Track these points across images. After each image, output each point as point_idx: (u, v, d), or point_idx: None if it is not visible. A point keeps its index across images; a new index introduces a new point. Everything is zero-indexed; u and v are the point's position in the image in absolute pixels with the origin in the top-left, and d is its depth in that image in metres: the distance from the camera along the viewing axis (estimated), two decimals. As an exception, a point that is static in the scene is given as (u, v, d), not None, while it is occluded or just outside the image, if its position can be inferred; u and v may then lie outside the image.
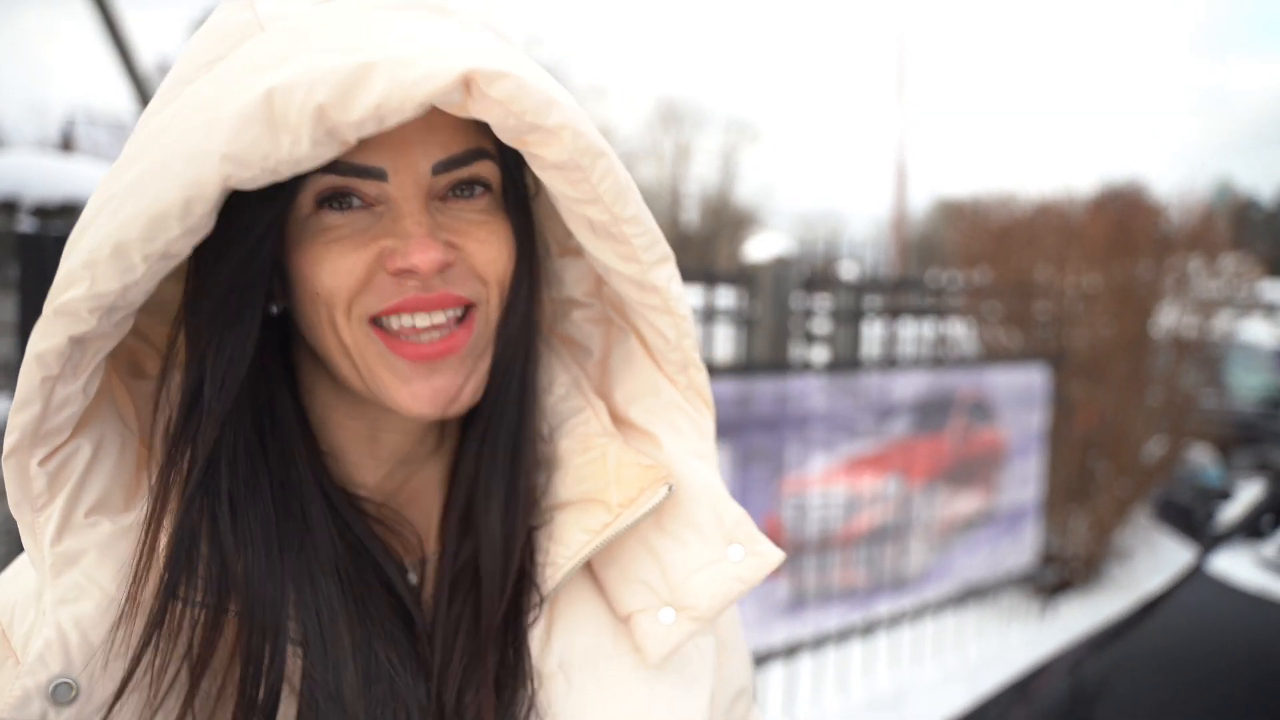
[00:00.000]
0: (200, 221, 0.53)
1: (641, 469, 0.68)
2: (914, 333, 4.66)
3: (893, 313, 4.56)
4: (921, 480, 4.08)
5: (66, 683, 0.53)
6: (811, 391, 3.57)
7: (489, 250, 0.63)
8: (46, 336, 0.54)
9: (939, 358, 4.29)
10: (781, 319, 4.41)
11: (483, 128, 0.61)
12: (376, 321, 0.61)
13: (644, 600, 0.68)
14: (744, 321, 4.43)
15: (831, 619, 3.74)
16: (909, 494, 4.01)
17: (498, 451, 0.68)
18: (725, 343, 4.49)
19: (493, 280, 0.64)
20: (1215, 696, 1.77)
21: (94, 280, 0.53)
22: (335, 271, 0.59)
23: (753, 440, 3.41)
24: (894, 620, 4.01)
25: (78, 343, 0.54)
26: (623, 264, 0.66)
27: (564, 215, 0.65)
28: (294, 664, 0.59)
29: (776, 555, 0.71)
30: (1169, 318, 5.19)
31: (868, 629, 3.90)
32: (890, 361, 3.99)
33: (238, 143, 0.51)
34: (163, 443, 0.59)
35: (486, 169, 0.63)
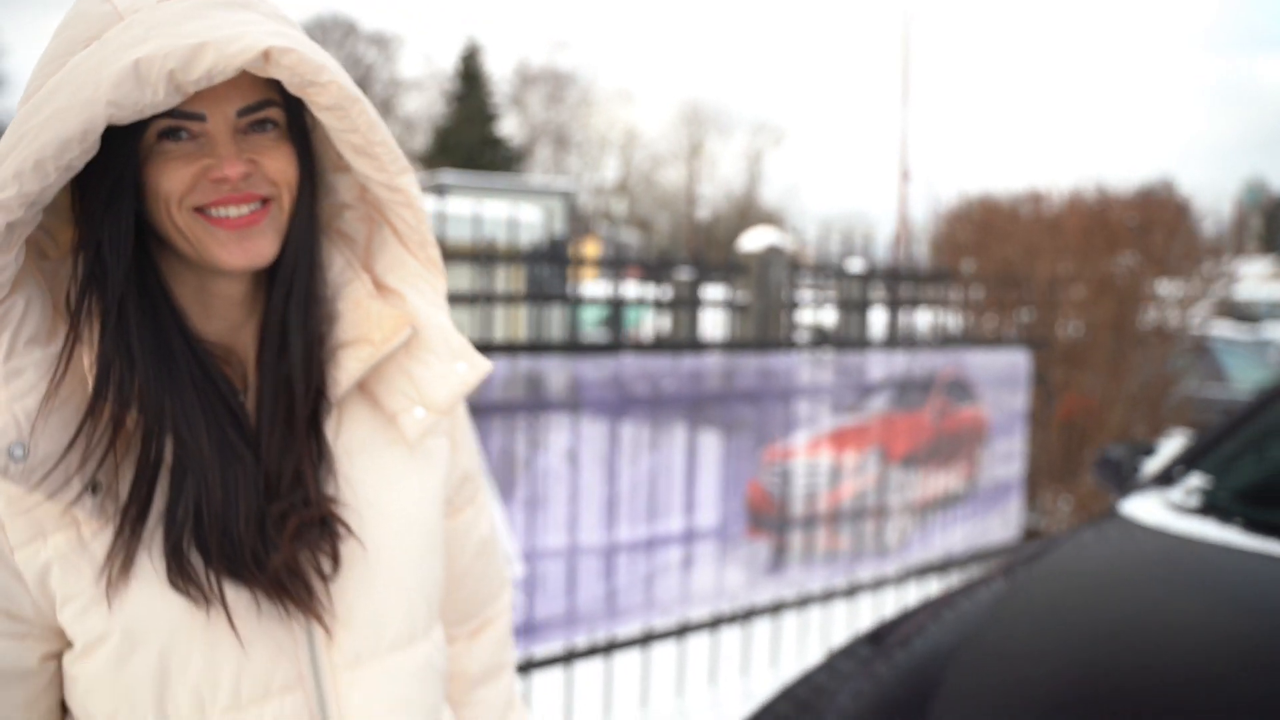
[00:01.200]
0: (92, 145, 0.85)
1: (395, 317, 1.01)
2: (905, 320, 4.93)
3: (888, 303, 4.84)
4: (902, 454, 4.36)
5: (20, 445, 0.85)
6: (794, 368, 3.87)
7: (278, 163, 0.94)
8: None
9: (919, 339, 4.56)
10: (768, 304, 4.71)
11: (274, 82, 0.93)
12: (202, 210, 0.92)
13: (403, 403, 1.02)
14: (735, 308, 4.74)
15: (815, 580, 4.03)
16: (890, 467, 4.29)
17: (295, 309, 0.99)
18: (715, 328, 4.79)
19: (282, 183, 0.95)
20: (1100, 611, 2.05)
21: (21, 184, 0.83)
22: (171, 179, 0.90)
23: (736, 411, 3.72)
24: (877, 584, 4.29)
25: (10, 227, 0.85)
26: (377, 174, 0.98)
27: (335, 142, 0.97)
28: (169, 443, 0.92)
29: (486, 364, 1.05)
30: (1154, 309, 5.44)
31: (851, 591, 4.18)
32: (870, 341, 4.28)
33: (117, 94, 0.82)
34: (75, 297, 0.90)
35: (275, 112, 0.95)
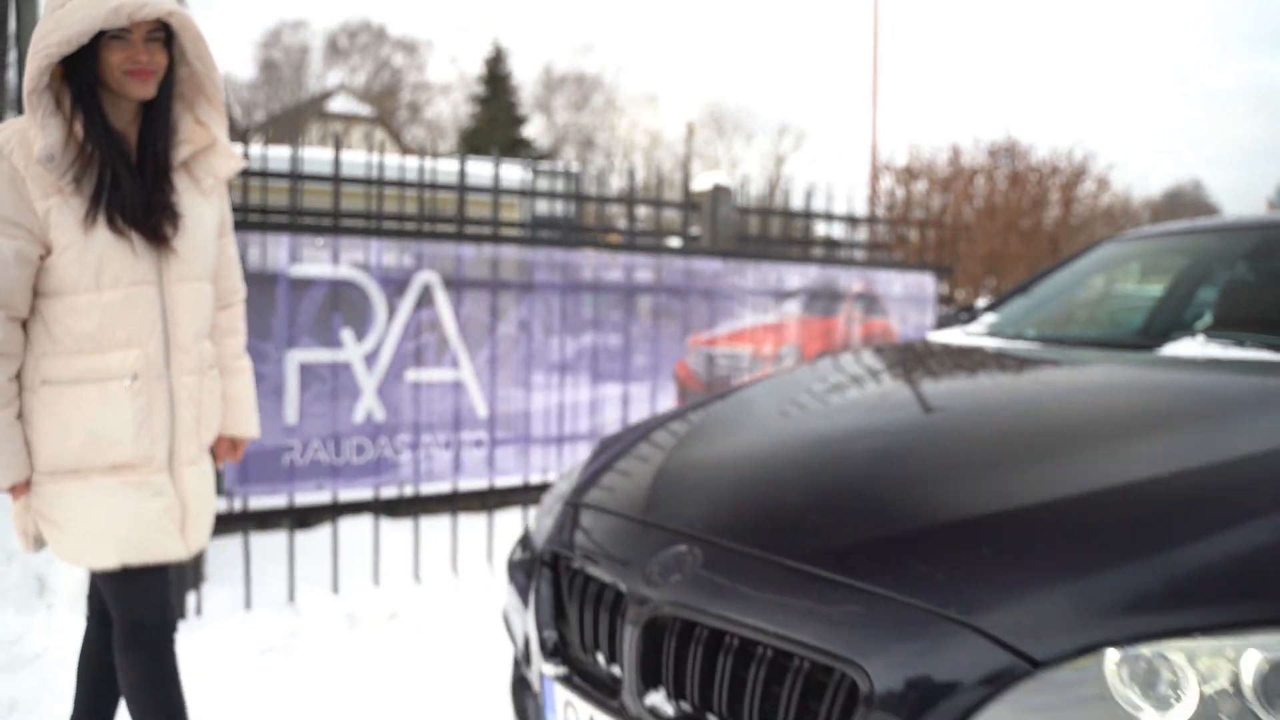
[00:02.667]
0: (90, 36, 1.86)
1: (204, 134, 2.07)
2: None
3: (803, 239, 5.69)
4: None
5: (51, 156, 1.88)
6: (715, 271, 4.74)
7: (159, 57, 1.95)
8: (37, 60, 1.85)
9: (831, 256, 5.41)
10: (715, 234, 5.57)
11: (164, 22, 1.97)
12: (126, 72, 1.92)
13: (203, 173, 2.08)
14: (689, 238, 5.61)
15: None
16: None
17: (160, 121, 2.01)
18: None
19: (161, 66, 1.95)
20: (843, 386, 2.87)
21: (60, 45, 1.84)
22: (115, 56, 1.91)
23: (662, 301, 4.59)
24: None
25: (48, 63, 1.86)
26: (202, 66, 2.03)
27: (186, 51, 2.02)
28: (108, 168, 1.95)
29: (242, 161, 2.18)
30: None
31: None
32: (783, 254, 5.14)
33: (106, 16, 1.84)
34: (70, 103, 1.91)
35: (161, 34, 1.97)
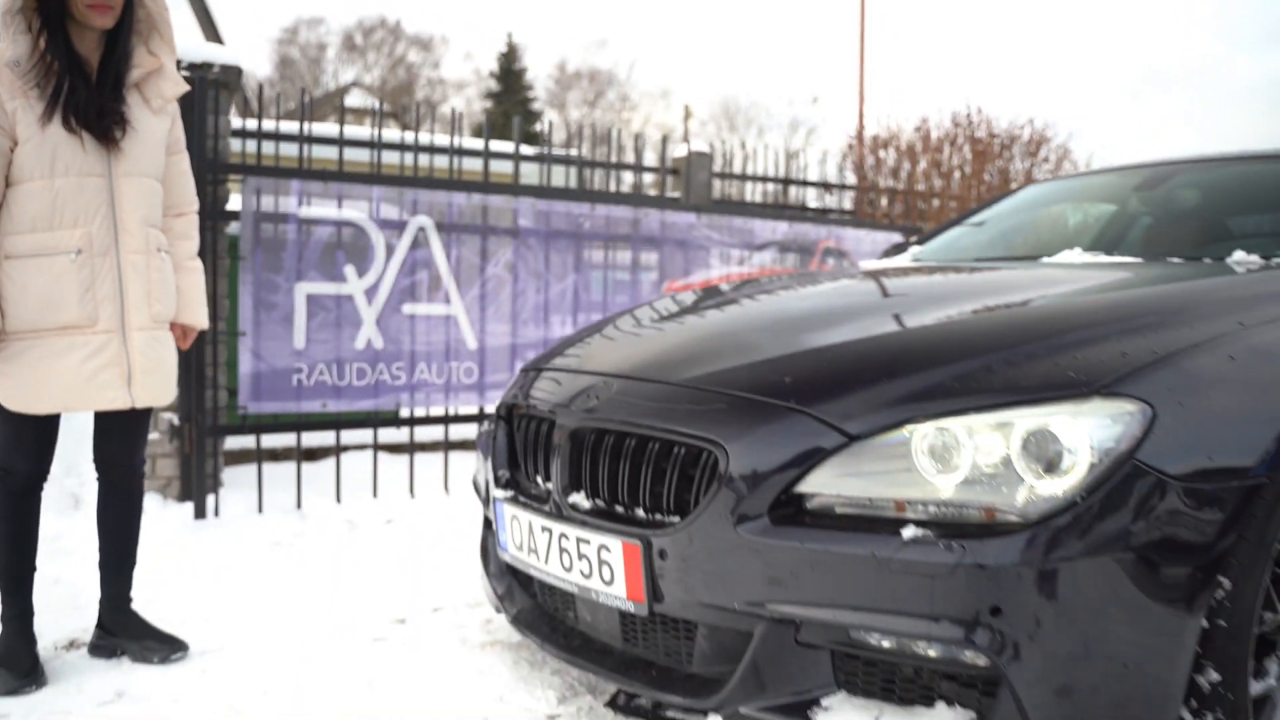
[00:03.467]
0: None
1: (153, 61, 2.51)
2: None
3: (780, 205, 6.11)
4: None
5: (19, 62, 2.35)
6: (689, 223, 5.17)
7: (119, 2, 2.39)
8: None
9: (800, 214, 5.83)
10: (691, 195, 6.00)
11: None
12: (89, 5, 2.35)
13: (153, 93, 2.52)
14: (667, 200, 6.04)
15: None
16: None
17: (122, 48, 2.44)
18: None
19: (120, 2, 2.39)
20: (762, 292, 3.29)
21: None
22: None
23: (641, 251, 5.02)
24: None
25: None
26: (161, 10, 2.48)
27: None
28: (65, 78, 2.38)
29: (186, 85, 2.65)
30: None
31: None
32: (757, 209, 5.56)
33: None
34: (38, 26, 2.36)
35: None
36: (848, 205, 6.74)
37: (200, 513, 3.95)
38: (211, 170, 3.90)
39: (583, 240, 4.81)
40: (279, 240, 3.99)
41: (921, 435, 1.74)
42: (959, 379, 1.83)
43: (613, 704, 2.11)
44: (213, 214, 3.93)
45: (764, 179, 6.33)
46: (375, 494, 4.38)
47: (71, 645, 2.82)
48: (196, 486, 3.93)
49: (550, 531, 2.12)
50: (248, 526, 3.95)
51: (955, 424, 1.73)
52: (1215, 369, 1.85)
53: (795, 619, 1.75)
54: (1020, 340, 1.94)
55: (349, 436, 4.61)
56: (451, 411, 4.55)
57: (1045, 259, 2.94)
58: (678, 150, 6.19)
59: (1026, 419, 1.71)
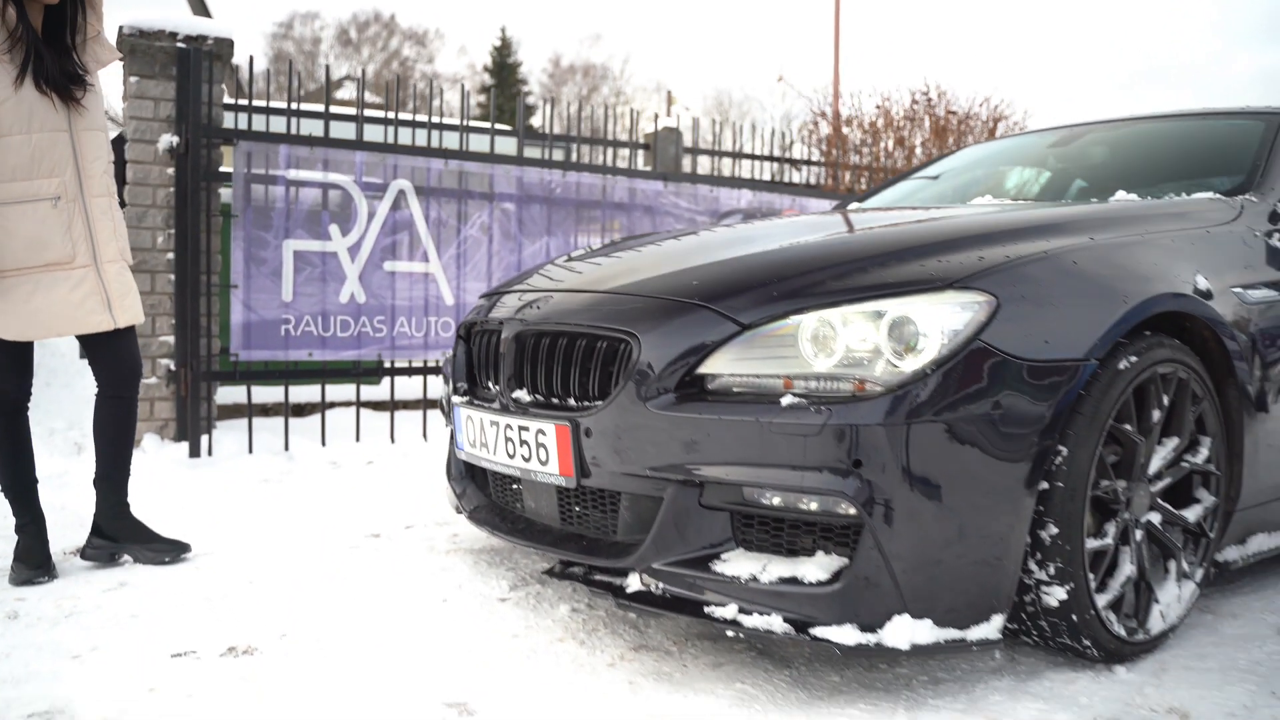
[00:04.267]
0: None
1: (92, 26, 2.83)
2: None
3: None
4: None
5: None
6: (656, 190, 5.48)
7: None
8: None
9: (763, 182, 6.14)
10: (661, 168, 6.31)
11: None
12: None
13: (91, 58, 2.82)
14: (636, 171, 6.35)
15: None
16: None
17: (70, 22, 2.75)
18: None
19: None
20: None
21: None
22: None
23: (611, 216, 5.33)
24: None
25: None
26: None
27: None
28: (32, 43, 2.67)
29: (118, 54, 2.96)
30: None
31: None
32: (723, 180, 5.87)
33: None
34: (5, 9, 2.65)
35: None
36: (812, 180, 7.06)
37: (195, 452, 4.26)
38: (206, 135, 4.21)
39: (554, 206, 5.12)
40: (268, 201, 4.29)
41: (805, 324, 2.05)
42: (837, 278, 2.15)
43: (550, 572, 2.42)
44: (206, 176, 4.24)
45: (732, 154, 6.64)
46: (358, 439, 4.69)
47: (78, 551, 3.14)
48: (191, 427, 4.24)
49: (498, 425, 2.43)
50: (239, 465, 4.26)
51: (833, 314, 2.04)
52: (1060, 272, 2.17)
53: (697, 480, 2.06)
54: (894, 250, 2.26)
55: (334, 392, 4.92)
56: (430, 363, 4.86)
57: (959, 206, 3.25)
58: (649, 125, 6.49)
59: (892, 308, 2.02)
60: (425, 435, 4.88)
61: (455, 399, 2.67)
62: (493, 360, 2.57)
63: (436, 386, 5.13)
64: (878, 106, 7.06)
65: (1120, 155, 3.55)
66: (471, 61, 51.51)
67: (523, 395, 2.40)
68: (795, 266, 2.24)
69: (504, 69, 38.07)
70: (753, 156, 6.71)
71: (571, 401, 2.29)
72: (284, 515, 3.61)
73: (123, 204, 4.16)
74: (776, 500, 2.03)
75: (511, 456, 2.40)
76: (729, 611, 2.02)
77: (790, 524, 2.06)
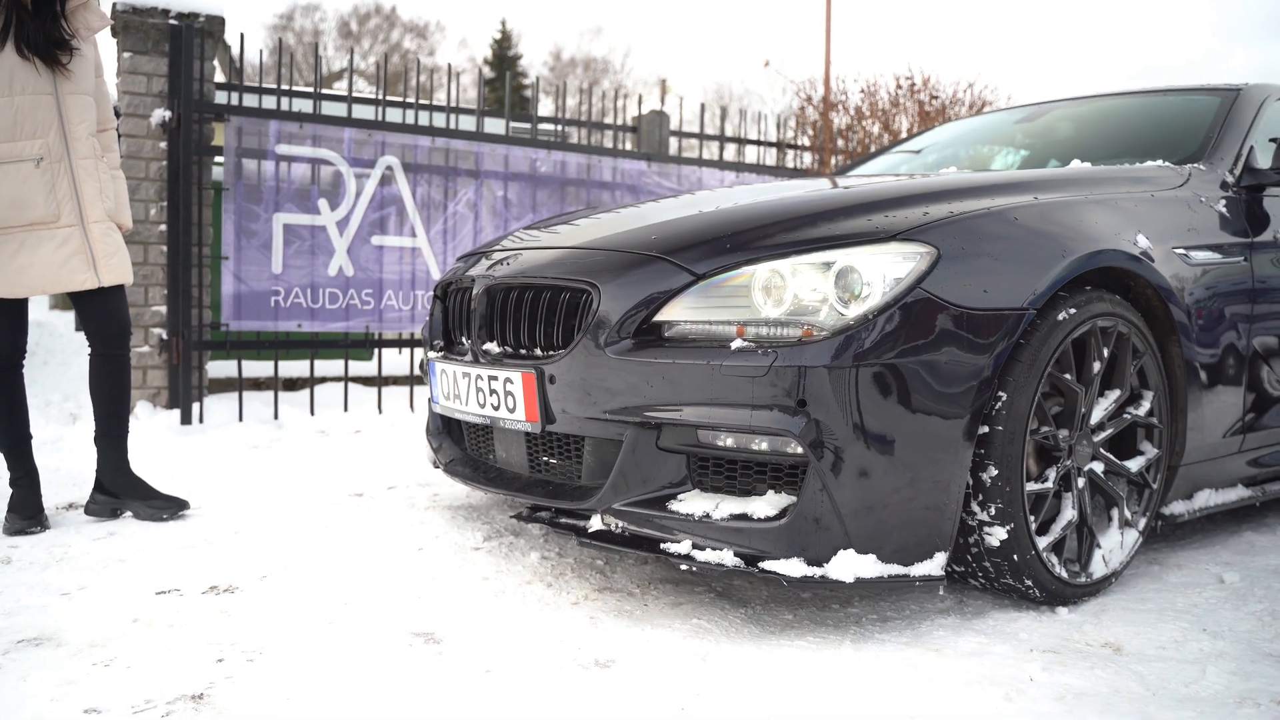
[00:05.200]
0: None
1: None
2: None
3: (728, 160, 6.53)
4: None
5: None
6: (640, 170, 5.58)
7: None
8: None
9: (746, 164, 6.24)
10: (650, 151, 6.40)
11: None
12: None
13: (81, 25, 2.94)
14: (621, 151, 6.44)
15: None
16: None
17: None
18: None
19: None
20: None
21: None
22: None
23: (595, 194, 5.43)
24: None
25: None
26: None
27: None
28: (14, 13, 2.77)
29: (109, 20, 3.02)
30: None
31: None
32: (708, 162, 5.97)
33: None
34: None
35: None
36: (793, 164, 7.16)
37: (186, 419, 4.37)
38: (198, 110, 4.31)
39: (539, 185, 5.22)
40: (259, 175, 4.40)
41: (757, 274, 2.15)
42: (788, 231, 2.25)
43: (519, 516, 2.53)
44: (198, 150, 4.34)
45: (720, 138, 6.73)
46: (346, 408, 4.80)
47: (70, 507, 3.24)
48: (183, 395, 4.35)
49: (469, 376, 2.54)
50: (229, 432, 4.37)
51: (783, 264, 2.15)
52: (1002, 226, 2.27)
53: (654, 422, 2.16)
54: (842, 206, 2.36)
55: (323, 368, 5.02)
56: (418, 336, 4.97)
57: (932, 175, 3.35)
58: (636, 108, 6.58)
59: (839, 258, 2.12)
60: (412, 407, 4.98)
61: (431, 354, 2.78)
62: (465, 316, 2.67)
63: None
64: (862, 91, 7.16)
65: (1084, 130, 3.65)
66: (472, 54, 51.52)
67: (492, 347, 2.50)
68: (749, 222, 2.34)
69: (504, 62, 38.10)
70: (740, 140, 6.81)
71: (538, 351, 2.40)
72: (271, 477, 3.71)
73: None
74: (729, 441, 2.13)
75: (482, 406, 2.51)
76: (684, 547, 2.13)
77: (743, 465, 2.16)
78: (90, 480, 3.46)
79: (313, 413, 4.69)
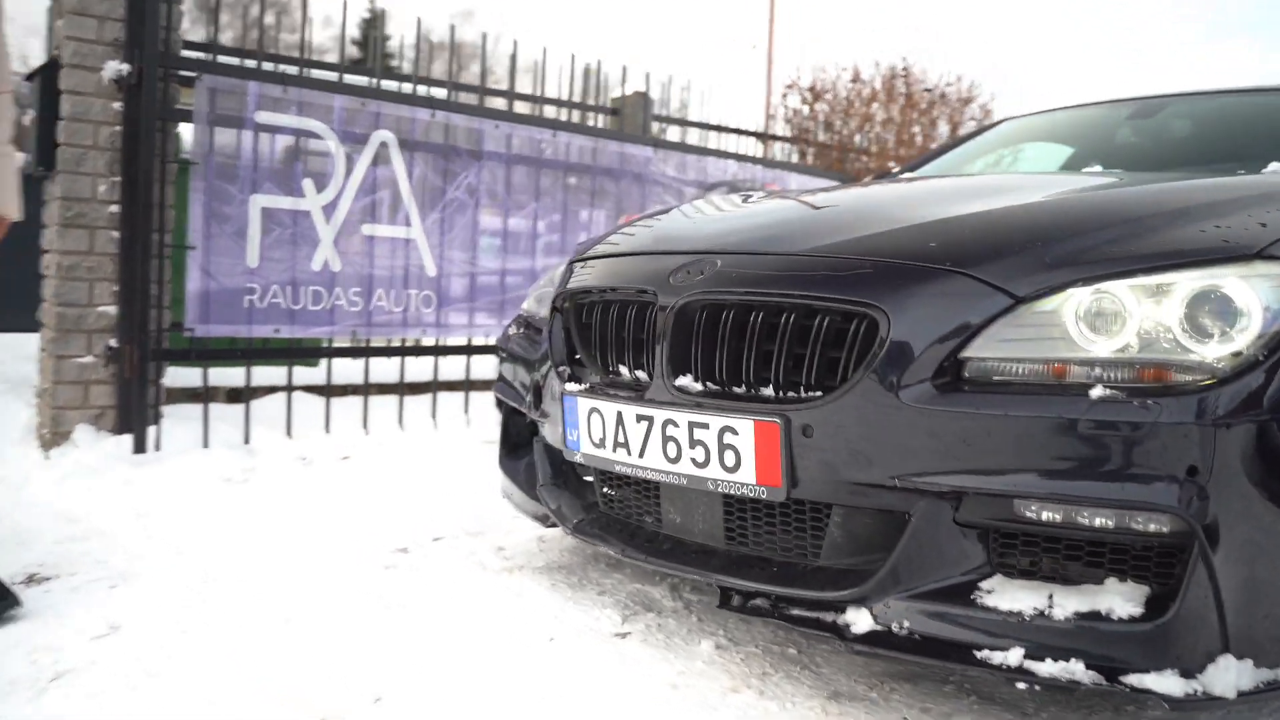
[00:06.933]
0: None
1: None
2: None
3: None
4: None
5: None
6: (646, 158, 5.01)
7: None
8: None
9: (748, 156, 5.76)
10: (634, 132, 5.84)
11: None
12: None
13: None
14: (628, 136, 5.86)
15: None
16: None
17: None
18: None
19: None
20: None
21: None
22: None
23: (599, 182, 4.83)
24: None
25: None
26: None
27: None
28: None
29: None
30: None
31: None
32: (711, 150, 5.45)
33: None
34: None
35: None
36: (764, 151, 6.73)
37: (140, 446, 3.56)
38: (163, 64, 3.49)
39: (543, 169, 4.59)
40: (237, 148, 3.62)
41: (1086, 297, 1.65)
42: (1113, 244, 1.76)
43: (725, 605, 1.95)
44: (163, 114, 3.52)
45: (702, 125, 6.22)
46: (328, 429, 4.06)
47: None
48: (137, 417, 3.54)
49: (650, 420, 1.94)
50: (193, 462, 3.58)
51: (1120, 286, 1.66)
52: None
53: (963, 490, 1.64)
54: (1151, 213, 1.89)
55: (287, 375, 4.25)
56: (409, 342, 4.27)
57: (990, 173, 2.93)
58: (617, 90, 6.01)
59: (1192, 280, 1.65)
60: (401, 423, 4.28)
61: (569, 386, 2.16)
62: (631, 339, 2.07)
63: (416, 368, 4.53)
64: (852, 81, 6.80)
65: (1208, 129, 3.32)
66: (337, 34, 49.10)
67: (688, 382, 1.92)
68: (1049, 227, 1.84)
69: (372, 44, 36.34)
70: (722, 129, 6.32)
71: (768, 391, 1.83)
72: (265, 525, 2.99)
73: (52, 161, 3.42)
74: (1053, 515, 1.63)
75: (674, 461, 1.92)
76: (1013, 657, 1.61)
77: (1068, 544, 1.67)
78: None
79: (289, 434, 3.93)
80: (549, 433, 2.33)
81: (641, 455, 1.97)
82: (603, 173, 4.82)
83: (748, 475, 1.81)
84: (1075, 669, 1.58)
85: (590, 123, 5.72)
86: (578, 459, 2.16)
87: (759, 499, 1.84)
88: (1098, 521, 1.61)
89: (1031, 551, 1.69)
